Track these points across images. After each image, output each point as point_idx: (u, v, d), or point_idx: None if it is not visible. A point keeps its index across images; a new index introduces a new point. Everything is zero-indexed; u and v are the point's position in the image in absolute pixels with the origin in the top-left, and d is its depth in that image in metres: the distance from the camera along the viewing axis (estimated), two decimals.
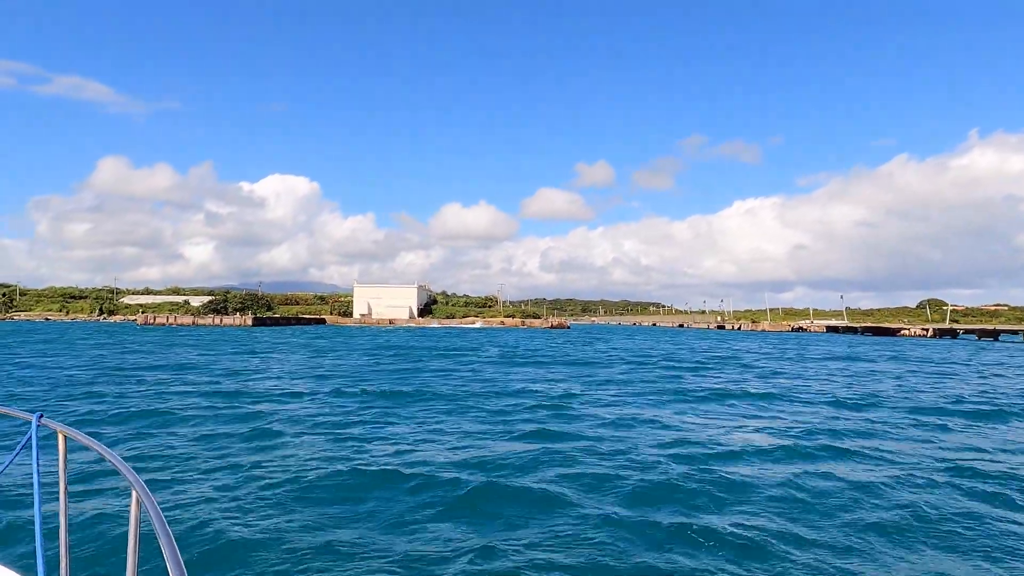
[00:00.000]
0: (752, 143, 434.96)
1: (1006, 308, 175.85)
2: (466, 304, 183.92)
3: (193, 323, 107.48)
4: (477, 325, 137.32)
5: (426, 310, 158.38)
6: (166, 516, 1.61)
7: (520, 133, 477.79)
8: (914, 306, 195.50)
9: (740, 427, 13.39)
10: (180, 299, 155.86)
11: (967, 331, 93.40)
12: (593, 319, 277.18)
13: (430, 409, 15.33)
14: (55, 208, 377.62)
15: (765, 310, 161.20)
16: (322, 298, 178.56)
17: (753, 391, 20.22)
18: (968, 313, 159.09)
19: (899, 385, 23.12)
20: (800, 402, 17.85)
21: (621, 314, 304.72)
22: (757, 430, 12.97)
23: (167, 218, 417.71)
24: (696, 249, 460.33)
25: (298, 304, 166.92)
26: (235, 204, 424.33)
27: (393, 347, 45.92)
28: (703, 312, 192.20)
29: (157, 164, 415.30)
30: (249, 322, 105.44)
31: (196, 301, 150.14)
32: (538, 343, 58.18)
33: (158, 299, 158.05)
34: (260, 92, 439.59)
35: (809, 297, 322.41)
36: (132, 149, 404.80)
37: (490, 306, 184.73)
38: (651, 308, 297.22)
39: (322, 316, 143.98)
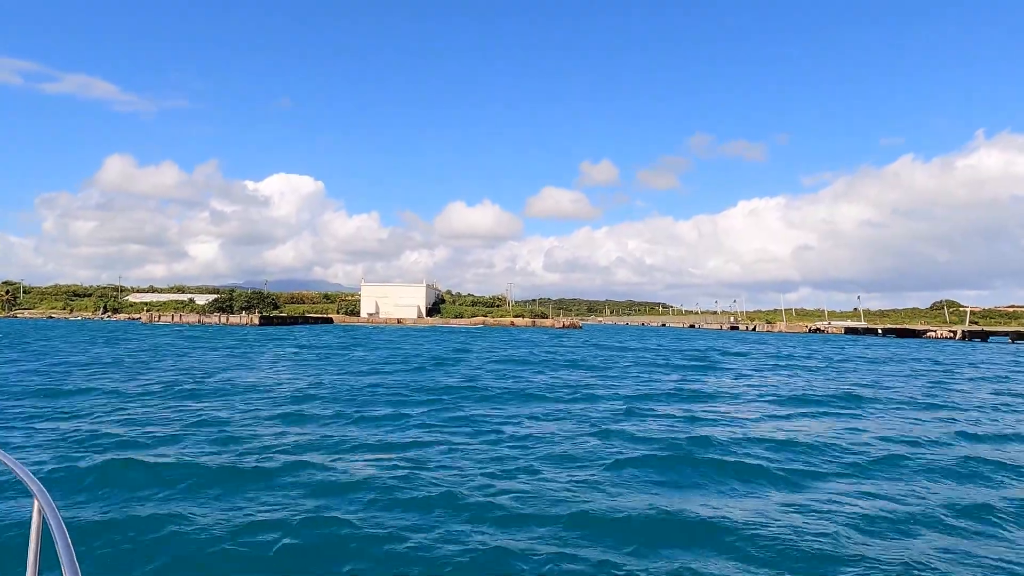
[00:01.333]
0: (757, 142, 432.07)
1: (1021, 309, 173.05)
2: (473, 303, 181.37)
3: (199, 322, 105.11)
4: (482, 324, 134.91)
5: (434, 309, 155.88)
6: None
7: (524, 131, 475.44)
8: (926, 307, 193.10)
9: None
10: (185, 297, 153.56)
11: (996, 333, 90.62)
12: (600, 319, 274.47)
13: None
14: (62, 205, 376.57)
15: (779, 311, 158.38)
16: (328, 296, 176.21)
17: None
18: (986, 314, 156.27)
19: None
20: None
21: (628, 314, 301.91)
22: None
23: (172, 216, 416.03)
24: (701, 249, 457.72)
25: (304, 303, 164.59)
26: (240, 203, 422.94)
27: (450, 353, 43.23)
28: (714, 313, 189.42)
29: (163, 162, 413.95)
30: (256, 321, 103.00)
31: (201, 299, 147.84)
32: (571, 344, 55.44)
33: (163, 297, 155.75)
34: (266, 91, 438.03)
35: (815, 298, 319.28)
36: (138, 147, 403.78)
37: (498, 305, 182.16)
38: (659, 308, 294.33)
39: (329, 315, 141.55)
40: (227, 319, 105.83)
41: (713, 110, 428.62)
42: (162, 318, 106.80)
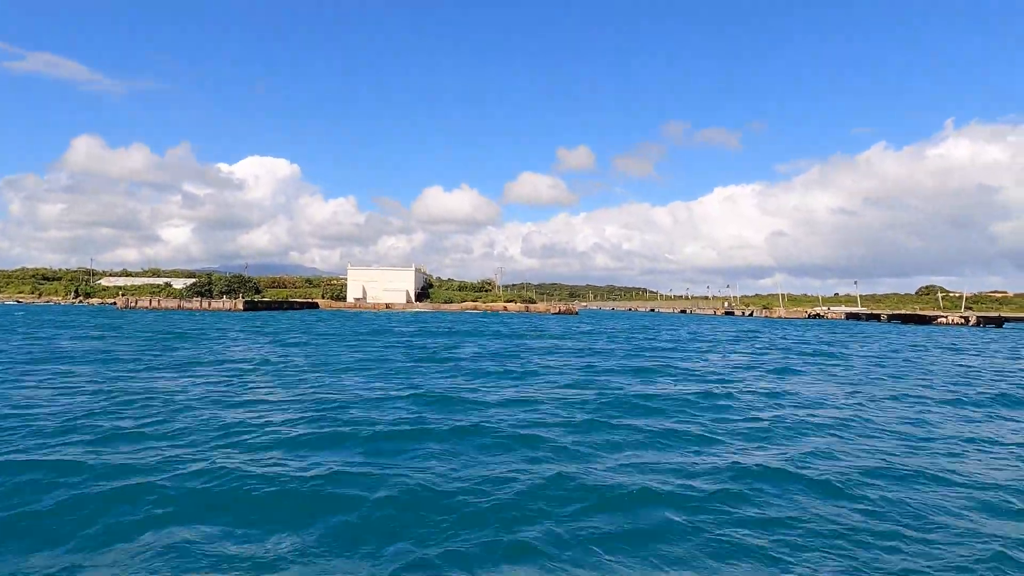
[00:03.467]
0: (733, 130, 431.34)
1: (1009, 295, 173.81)
2: (461, 288, 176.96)
3: (179, 307, 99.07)
4: (473, 309, 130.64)
5: (423, 294, 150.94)
6: None
7: (502, 116, 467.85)
8: (900, 293, 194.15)
9: None
10: (161, 281, 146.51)
11: (1011, 319, 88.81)
12: (585, 304, 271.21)
13: None
14: (28, 188, 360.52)
15: (776, 295, 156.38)
16: (310, 281, 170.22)
17: None
18: (977, 300, 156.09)
19: None
20: None
21: (613, 299, 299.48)
22: None
23: (144, 199, 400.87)
24: (677, 235, 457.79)
25: (286, 287, 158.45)
26: (214, 186, 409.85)
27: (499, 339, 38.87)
28: (707, 298, 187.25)
29: (133, 144, 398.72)
30: (240, 306, 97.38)
31: (178, 283, 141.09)
32: (615, 325, 51.47)
33: (137, 281, 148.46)
34: (240, 73, 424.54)
35: (788, 283, 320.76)
36: (107, 129, 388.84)
37: (486, 290, 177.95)
38: (644, 293, 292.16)
39: (314, 300, 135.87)
40: (209, 304, 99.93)
41: (688, 97, 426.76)
42: (139, 303, 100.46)
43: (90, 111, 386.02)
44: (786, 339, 46.06)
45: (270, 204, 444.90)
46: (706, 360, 26.22)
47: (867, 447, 10.10)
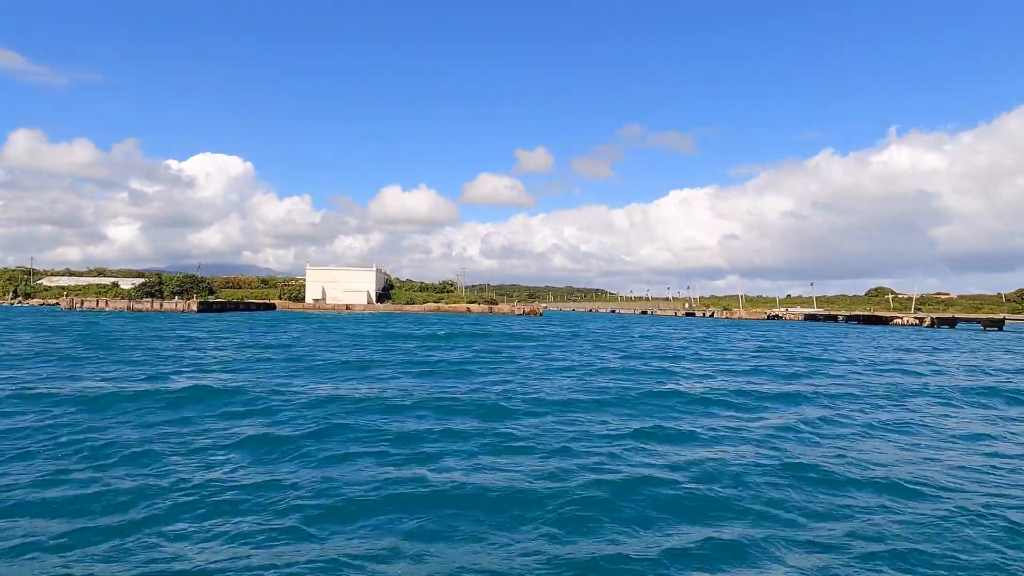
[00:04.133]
0: (686, 133, 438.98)
1: (953, 296, 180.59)
2: (422, 289, 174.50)
3: (129, 308, 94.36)
4: (436, 311, 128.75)
5: (384, 295, 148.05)
6: None
7: (461, 117, 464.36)
8: (863, 294, 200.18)
9: None
10: (107, 281, 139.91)
11: (963, 320, 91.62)
12: (545, 305, 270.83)
13: None
14: None
15: (737, 296, 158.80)
16: (266, 282, 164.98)
17: None
18: (924, 301, 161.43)
19: None
20: None
21: (574, 300, 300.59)
22: None
23: (88, 196, 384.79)
24: (633, 237, 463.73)
25: (241, 288, 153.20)
26: (162, 183, 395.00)
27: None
28: (667, 299, 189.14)
29: (76, 139, 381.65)
30: (194, 307, 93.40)
31: (126, 283, 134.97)
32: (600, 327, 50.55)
33: (82, 281, 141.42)
34: (191, 67, 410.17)
35: (741, 285, 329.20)
36: (49, 122, 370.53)
37: (448, 291, 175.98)
38: (606, 295, 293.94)
39: (271, 301, 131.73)
40: (161, 305, 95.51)
41: (644, 101, 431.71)
42: (85, 304, 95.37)
43: (30, 103, 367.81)
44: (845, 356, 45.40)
45: (222, 202, 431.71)
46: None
47: None
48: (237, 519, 6.62)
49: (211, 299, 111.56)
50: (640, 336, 48.26)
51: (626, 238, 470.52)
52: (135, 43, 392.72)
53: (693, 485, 7.99)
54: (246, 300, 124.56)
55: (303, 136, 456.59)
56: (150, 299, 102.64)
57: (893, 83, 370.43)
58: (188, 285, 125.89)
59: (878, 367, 25.12)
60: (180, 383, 15.84)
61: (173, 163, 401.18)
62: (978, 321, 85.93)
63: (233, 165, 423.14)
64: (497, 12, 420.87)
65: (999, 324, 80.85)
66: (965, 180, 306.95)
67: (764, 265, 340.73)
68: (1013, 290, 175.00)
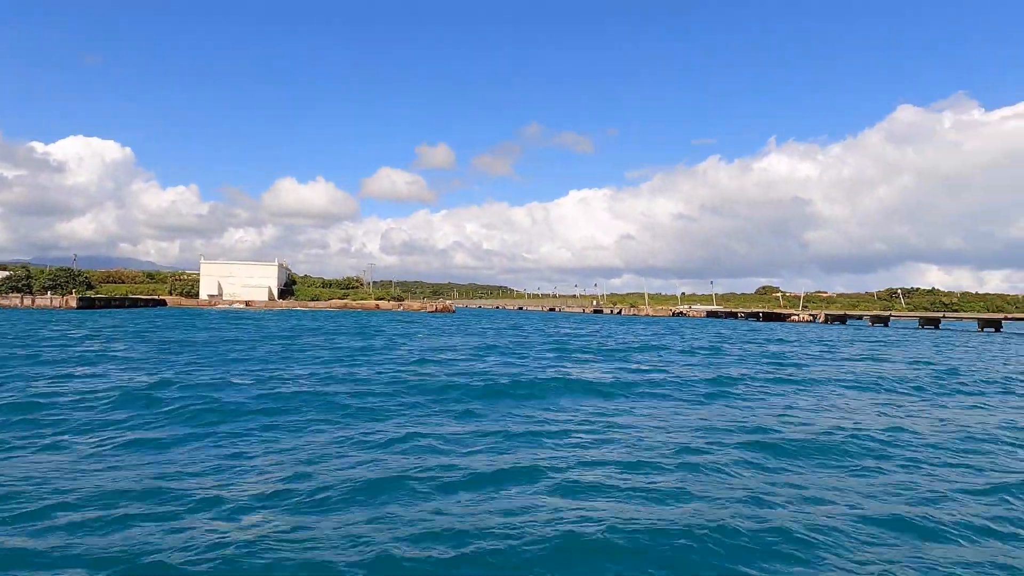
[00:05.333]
0: (586, 135, 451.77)
1: (833, 295, 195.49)
2: (326, 285, 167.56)
3: None
4: (343, 308, 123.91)
5: (287, 291, 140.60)
6: None
7: (359, 108, 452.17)
8: (752, 292, 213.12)
9: None
10: None
11: (852, 317, 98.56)
12: (448, 303, 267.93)
13: None
14: None
15: (642, 294, 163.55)
16: (152, 276, 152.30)
17: None
18: (810, 299, 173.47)
19: None
20: None
21: (481, 296, 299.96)
22: None
23: None
24: (535, 235, 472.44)
25: (123, 283, 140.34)
26: (25, 167, 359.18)
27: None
28: (574, 296, 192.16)
29: None
30: (73, 303, 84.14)
31: None
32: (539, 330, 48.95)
33: None
34: (67, 41, 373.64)
35: (636, 283, 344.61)
36: None
37: (354, 287, 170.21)
38: (511, 292, 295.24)
39: (160, 297, 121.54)
40: (33, 301, 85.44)
41: (546, 100, 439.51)
42: None
43: None
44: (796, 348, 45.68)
45: (96, 190, 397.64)
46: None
47: None
48: None
49: (90, 294, 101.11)
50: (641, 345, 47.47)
51: (528, 236, 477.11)
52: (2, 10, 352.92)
53: None
54: (132, 296, 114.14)
55: (191, 122, 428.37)
56: (18, 294, 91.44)
57: (775, 95, 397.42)
58: (63, 279, 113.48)
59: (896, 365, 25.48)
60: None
61: (38, 145, 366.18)
62: (868, 319, 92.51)
63: (110, 150, 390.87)
64: (401, 6, 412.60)
65: (884, 320, 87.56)
66: (834, 188, 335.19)
67: (657, 264, 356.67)
68: (877, 289, 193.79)
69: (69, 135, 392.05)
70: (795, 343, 41.49)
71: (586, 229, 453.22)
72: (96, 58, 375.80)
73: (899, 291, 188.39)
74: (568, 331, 53.03)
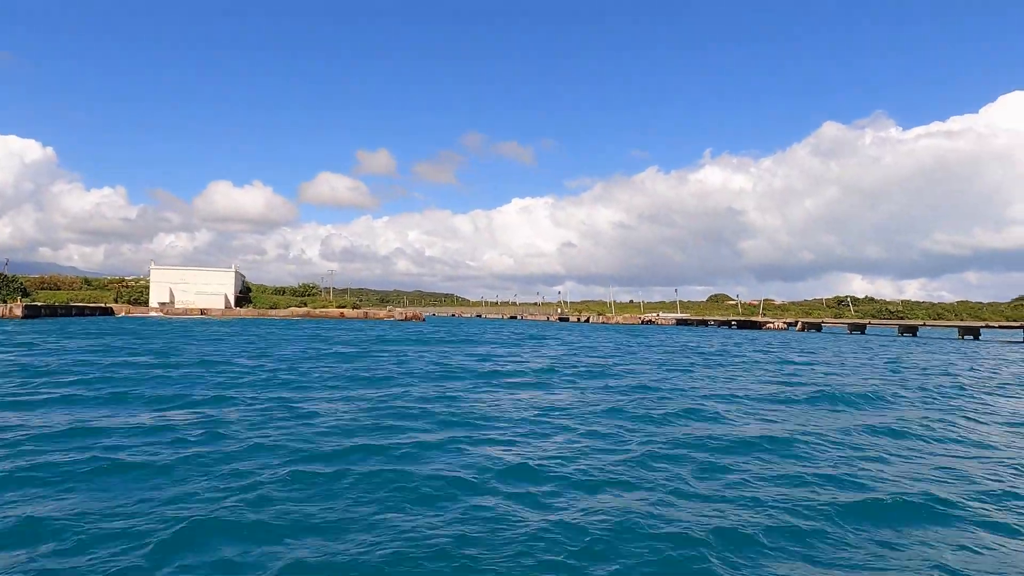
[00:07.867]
0: (526, 144, 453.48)
1: (785, 303, 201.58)
2: (282, 292, 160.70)
3: None
4: (305, 316, 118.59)
5: (244, 298, 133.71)
6: None
7: (298, 111, 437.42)
8: (704, 300, 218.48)
9: None
10: None
11: (828, 323, 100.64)
12: (418, 311, 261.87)
13: None
14: None
15: (608, 302, 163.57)
16: (89, 282, 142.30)
17: None
18: (767, 307, 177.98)
19: None
20: None
21: (433, 304, 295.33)
22: None
23: None
24: (477, 242, 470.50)
25: (60, 289, 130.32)
26: None
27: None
28: (536, 304, 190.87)
29: None
30: (19, 312, 76.62)
31: None
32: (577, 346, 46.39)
33: None
34: None
35: (578, 291, 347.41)
36: None
37: (312, 294, 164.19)
38: (457, 299, 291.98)
39: (107, 305, 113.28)
40: None
41: (487, 110, 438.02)
42: None
43: None
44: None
45: (13, 192, 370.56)
46: None
47: None
48: None
49: (28, 302, 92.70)
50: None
51: (470, 243, 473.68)
52: None
53: None
54: (75, 303, 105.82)
55: (118, 122, 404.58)
56: None
57: (709, 109, 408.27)
58: None
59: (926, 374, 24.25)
60: None
61: None
62: (847, 326, 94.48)
63: (29, 149, 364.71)
64: (337, 8, 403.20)
65: (862, 328, 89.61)
66: (765, 199, 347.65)
67: (599, 272, 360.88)
68: (807, 297, 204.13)
69: None
70: (832, 356, 40.56)
71: (528, 236, 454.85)
72: (9, 54, 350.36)
73: (848, 299, 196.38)
74: (591, 344, 50.92)
